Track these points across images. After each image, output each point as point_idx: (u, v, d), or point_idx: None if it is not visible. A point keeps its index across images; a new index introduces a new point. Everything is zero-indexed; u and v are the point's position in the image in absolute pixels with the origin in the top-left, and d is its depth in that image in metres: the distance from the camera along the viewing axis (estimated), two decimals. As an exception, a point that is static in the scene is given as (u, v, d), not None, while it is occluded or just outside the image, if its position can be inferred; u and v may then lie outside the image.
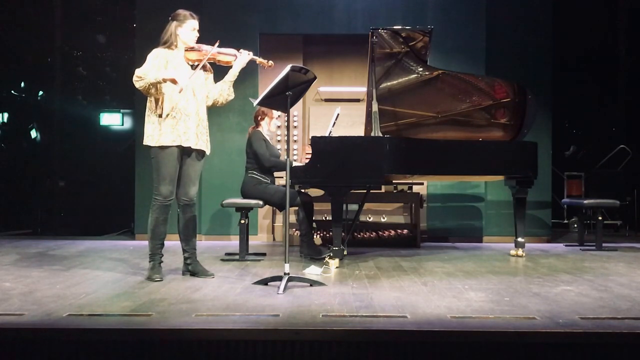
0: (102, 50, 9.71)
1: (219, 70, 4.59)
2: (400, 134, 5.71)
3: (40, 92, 9.91)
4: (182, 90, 4.14)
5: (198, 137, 4.33)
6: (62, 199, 9.46)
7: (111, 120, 9.30)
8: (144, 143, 4.31)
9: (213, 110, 6.77)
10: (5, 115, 9.75)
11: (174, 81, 4.12)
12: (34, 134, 9.83)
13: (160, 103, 4.24)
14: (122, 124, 9.29)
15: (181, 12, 4.37)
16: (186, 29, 4.33)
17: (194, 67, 4.33)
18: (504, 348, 2.89)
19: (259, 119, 5.76)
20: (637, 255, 5.95)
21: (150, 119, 4.29)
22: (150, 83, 4.15)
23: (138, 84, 4.18)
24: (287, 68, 4.04)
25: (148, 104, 4.32)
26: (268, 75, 6.87)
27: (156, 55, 4.27)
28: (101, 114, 9.31)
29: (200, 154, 4.41)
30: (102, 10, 9.56)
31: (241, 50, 4.45)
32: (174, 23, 4.34)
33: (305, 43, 7.41)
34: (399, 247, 6.40)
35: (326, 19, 7.20)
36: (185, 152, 4.34)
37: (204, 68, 4.40)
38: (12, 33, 9.27)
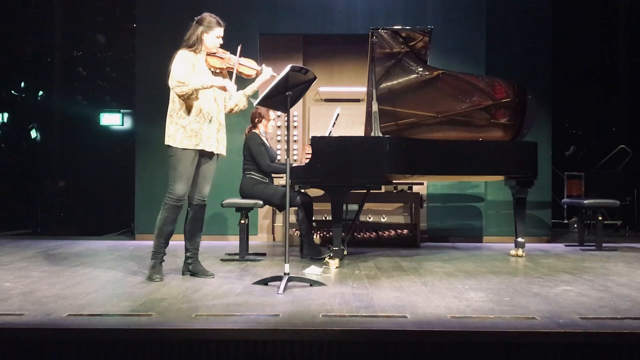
0: (102, 50, 9.71)
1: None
2: (401, 134, 5.71)
3: (40, 92, 9.91)
4: (232, 97, 4.32)
5: (219, 142, 4.37)
6: (62, 199, 9.46)
7: (111, 120, 9.30)
8: (166, 143, 4.28)
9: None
10: (5, 115, 9.75)
11: (224, 89, 4.21)
12: (34, 134, 9.83)
13: (186, 106, 4.23)
14: (122, 124, 9.29)
15: (208, 17, 4.33)
16: (212, 35, 4.31)
17: (215, 73, 4.35)
18: (504, 348, 2.89)
19: (256, 121, 5.75)
20: (637, 255, 5.95)
21: (172, 120, 4.27)
22: (195, 89, 4.13)
23: (180, 89, 4.12)
24: (287, 68, 4.04)
25: (171, 105, 4.29)
26: (268, 75, 6.87)
27: (185, 58, 4.24)
28: (101, 114, 9.31)
29: (217, 155, 4.44)
30: (102, 10, 9.56)
31: (262, 65, 4.46)
32: (201, 28, 4.30)
33: (305, 43, 7.41)
34: (399, 247, 6.40)
35: (326, 19, 7.20)
36: (206, 154, 4.36)
37: (222, 75, 4.42)
38: (12, 33, 9.27)
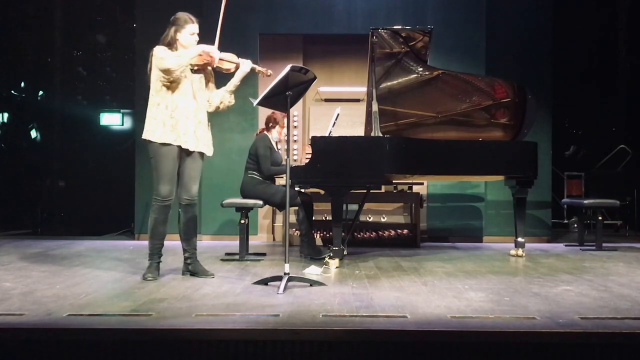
0: (102, 50, 9.72)
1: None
2: (400, 134, 5.71)
3: (40, 92, 9.91)
4: (215, 65, 4.26)
5: (198, 140, 4.32)
6: (62, 199, 9.47)
7: (111, 120, 9.30)
8: (144, 137, 4.28)
9: (213, 111, 6.82)
10: (5, 115, 9.76)
11: (209, 55, 4.22)
12: (34, 134, 9.84)
13: (164, 101, 4.24)
14: (122, 124, 9.29)
15: (180, 16, 4.33)
16: (185, 33, 4.30)
17: (193, 70, 4.30)
18: (504, 348, 2.89)
19: (270, 125, 5.75)
20: (637, 255, 5.95)
21: (151, 114, 4.28)
22: (190, 58, 4.17)
23: (176, 63, 4.12)
24: (287, 68, 4.04)
25: (150, 99, 4.30)
26: (268, 75, 6.86)
27: (165, 50, 4.26)
28: (101, 114, 9.31)
29: (201, 153, 4.40)
30: (102, 10, 9.57)
31: (241, 59, 4.42)
32: (174, 27, 4.31)
33: (305, 43, 7.41)
34: (399, 247, 6.40)
35: (326, 19, 7.20)
36: (185, 152, 4.33)
37: (204, 72, 4.39)
38: (12, 33, 9.28)
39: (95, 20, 9.64)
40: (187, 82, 4.27)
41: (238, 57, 4.42)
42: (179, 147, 4.26)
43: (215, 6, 7.11)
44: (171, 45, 4.30)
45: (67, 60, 9.66)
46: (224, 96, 4.46)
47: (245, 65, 4.39)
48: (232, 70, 4.40)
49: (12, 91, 9.75)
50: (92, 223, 8.56)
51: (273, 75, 4.31)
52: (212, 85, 4.50)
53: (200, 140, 4.34)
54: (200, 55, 4.28)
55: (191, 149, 4.30)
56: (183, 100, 4.25)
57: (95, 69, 9.76)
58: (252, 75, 6.95)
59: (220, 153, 7.13)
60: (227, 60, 4.37)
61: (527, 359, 2.89)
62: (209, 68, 4.40)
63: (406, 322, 3.10)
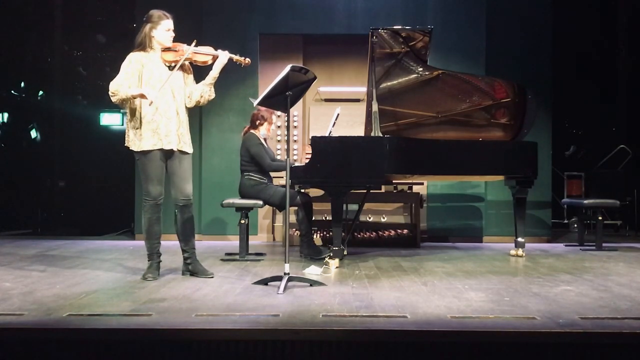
0: (102, 50, 9.71)
1: (197, 70, 4.55)
2: (400, 134, 5.71)
3: (40, 92, 9.91)
4: (152, 104, 4.13)
5: (180, 139, 4.30)
6: (62, 199, 9.47)
7: (111, 120, 9.30)
8: (127, 145, 4.30)
9: (213, 110, 6.85)
10: (5, 115, 9.75)
11: (142, 96, 4.13)
12: (34, 134, 9.83)
13: (139, 108, 4.23)
14: (122, 124, 9.29)
15: (155, 12, 4.32)
16: (160, 29, 4.28)
17: (171, 67, 4.28)
18: (504, 348, 2.89)
19: (257, 123, 5.72)
20: (637, 255, 5.95)
21: (131, 124, 4.28)
22: (122, 99, 4.19)
23: (113, 99, 4.21)
24: (287, 68, 4.04)
25: (128, 109, 4.30)
26: (268, 75, 6.87)
27: (130, 61, 4.24)
28: (101, 114, 9.31)
29: (185, 152, 4.37)
30: (102, 10, 9.56)
31: (219, 50, 4.38)
32: (148, 25, 4.29)
33: (305, 43, 7.41)
34: (399, 247, 6.41)
35: (326, 19, 7.20)
36: (169, 153, 4.31)
37: (182, 68, 4.35)
38: (12, 33, 9.27)
39: (95, 20, 9.63)
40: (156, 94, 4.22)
41: (215, 50, 4.39)
42: (161, 149, 4.24)
43: (214, 6, 7.18)
44: (145, 45, 4.27)
45: (67, 60, 9.65)
46: (204, 90, 4.40)
47: (223, 56, 4.35)
48: (210, 63, 4.36)
49: (12, 91, 9.75)
50: (92, 223, 8.56)
51: (273, 75, 4.30)
52: (190, 80, 4.45)
53: (182, 139, 4.31)
54: (175, 51, 4.27)
55: (174, 149, 4.27)
56: (163, 102, 4.22)
57: (95, 69, 9.76)
58: (252, 74, 7.02)
59: (220, 153, 7.17)
60: (202, 53, 4.33)
61: (527, 359, 2.89)
62: (187, 63, 4.35)
63: (406, 322, 3.10)
